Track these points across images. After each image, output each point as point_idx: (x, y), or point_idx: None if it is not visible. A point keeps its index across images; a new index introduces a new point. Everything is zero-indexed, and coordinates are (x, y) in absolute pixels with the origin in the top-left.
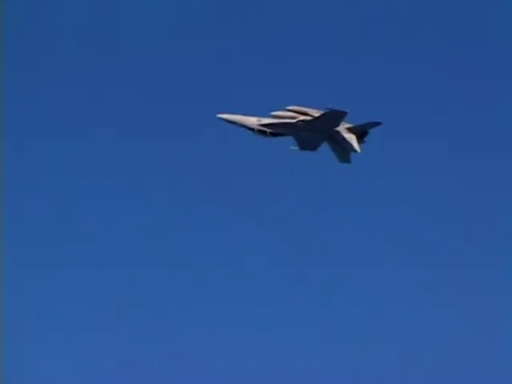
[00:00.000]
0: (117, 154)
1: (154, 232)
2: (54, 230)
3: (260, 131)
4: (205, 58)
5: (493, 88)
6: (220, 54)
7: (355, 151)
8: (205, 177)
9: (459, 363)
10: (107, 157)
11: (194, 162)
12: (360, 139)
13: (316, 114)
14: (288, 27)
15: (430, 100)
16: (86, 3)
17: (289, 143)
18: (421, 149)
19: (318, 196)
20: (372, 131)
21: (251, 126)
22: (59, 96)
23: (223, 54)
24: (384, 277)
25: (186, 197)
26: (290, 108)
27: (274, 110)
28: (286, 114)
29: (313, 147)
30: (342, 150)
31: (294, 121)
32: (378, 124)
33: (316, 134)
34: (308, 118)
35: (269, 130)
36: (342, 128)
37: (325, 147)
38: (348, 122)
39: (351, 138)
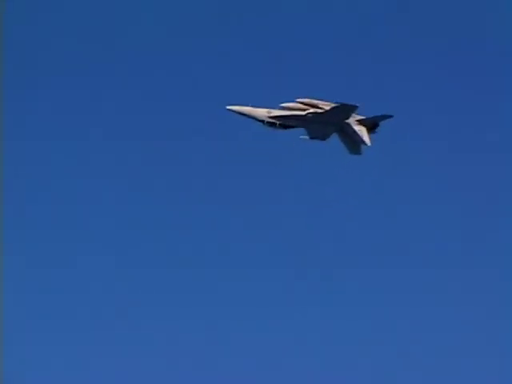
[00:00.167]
0: (117, 154)
1: (154, 232)
2: (54, 229)
3: (269, 123)
4: (205, 57)
5: (493, 88)
6: (220, 54)
7: (365, 144)
8: (205, 177)
9: (459, 363)
10: (107, 157)
11: (194, 162)
12: (370, 131)
13: (326, 106)
14: (288, 27)
15: (429, 100)
16: (86, 3)
17: (298, 134)
18: (421, 149)
19: (324, 191)
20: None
21: (261, 118)
22: (59, 96)
23: (223, 54)
24: (384, 277)
25: (186, 197)
26: (300, 100)
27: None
28: (296, 106)
29: (322, 138)
30: (352, 142)
31: (304, 113)
32: (389, 117)
33: (326, 126)
34: (318, 110)
35: (278, 122)
36: (353, 120)
37: (335, 138)
38: (359, 115)
39: (361, 131)
